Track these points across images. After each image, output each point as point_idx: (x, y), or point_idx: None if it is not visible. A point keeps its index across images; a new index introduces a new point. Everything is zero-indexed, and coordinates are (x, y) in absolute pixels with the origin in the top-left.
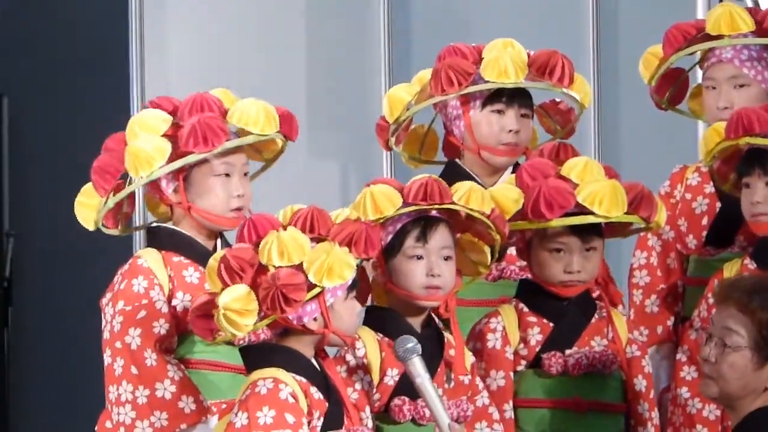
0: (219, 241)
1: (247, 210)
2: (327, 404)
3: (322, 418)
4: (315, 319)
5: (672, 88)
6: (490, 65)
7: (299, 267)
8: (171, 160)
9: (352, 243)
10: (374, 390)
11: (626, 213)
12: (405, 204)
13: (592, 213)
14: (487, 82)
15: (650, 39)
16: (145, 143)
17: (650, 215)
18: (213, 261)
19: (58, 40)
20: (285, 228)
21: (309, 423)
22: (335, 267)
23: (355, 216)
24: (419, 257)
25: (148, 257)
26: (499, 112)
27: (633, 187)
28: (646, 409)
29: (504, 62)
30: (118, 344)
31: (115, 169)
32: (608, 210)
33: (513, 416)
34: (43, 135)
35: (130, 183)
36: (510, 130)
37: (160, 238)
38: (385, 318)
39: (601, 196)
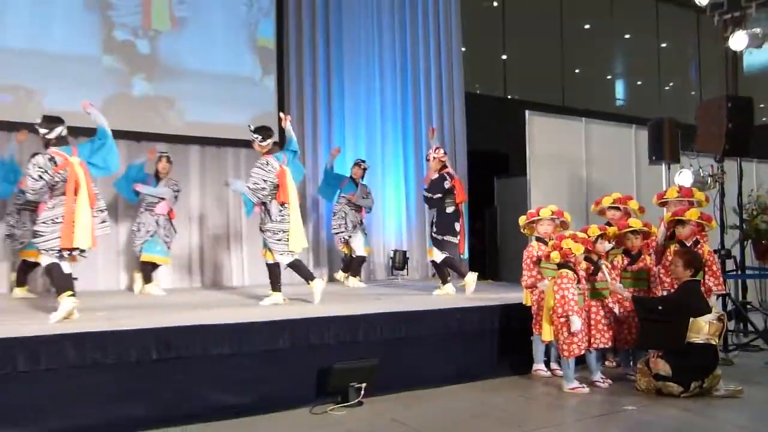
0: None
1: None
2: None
3: (576, 283)
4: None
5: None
6: None
7: (570, 250)
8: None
9: (582, 243)
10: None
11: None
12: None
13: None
14: None
15: None
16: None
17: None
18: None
19: None
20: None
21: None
22: (578, 250)
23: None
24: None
25: (534, 240)
26: None
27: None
28: (654, 282)
29: None
30: (525, 262)
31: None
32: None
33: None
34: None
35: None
36: None
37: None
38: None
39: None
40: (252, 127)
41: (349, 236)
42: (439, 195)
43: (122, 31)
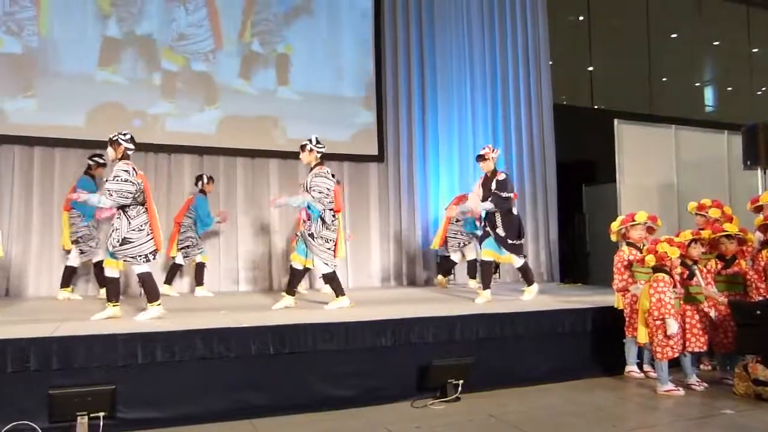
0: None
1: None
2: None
3: (672, 287)
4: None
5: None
6: None
7: (665, 254)
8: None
9: (677, 246)
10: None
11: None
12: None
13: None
14: None
15: None
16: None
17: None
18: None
19: None
20: (663, 242)
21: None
22: (674, 254)
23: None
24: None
25: (624, 245)
26: None
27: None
28: (750, 287)
29: None
30: (616, 266)
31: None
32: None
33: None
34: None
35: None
36: None
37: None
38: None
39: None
40: (315, 139)
41: (468, 242)
42: (513, 194)
43: (234, 60)
